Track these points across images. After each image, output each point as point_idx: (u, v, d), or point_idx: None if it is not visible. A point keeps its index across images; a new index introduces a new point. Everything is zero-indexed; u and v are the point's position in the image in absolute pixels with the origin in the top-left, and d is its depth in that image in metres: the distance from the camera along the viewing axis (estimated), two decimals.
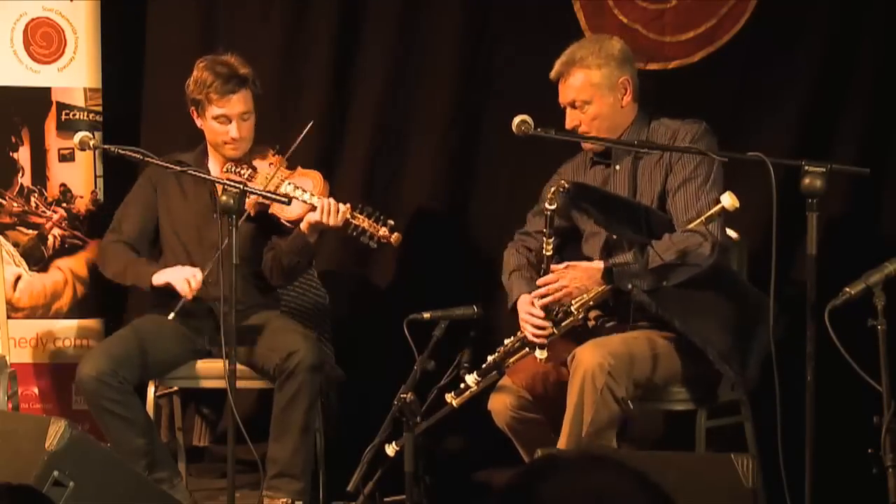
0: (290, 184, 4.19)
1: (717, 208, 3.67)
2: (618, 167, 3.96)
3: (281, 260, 4.29)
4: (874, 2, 4.45)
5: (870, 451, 3.15)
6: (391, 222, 4.10)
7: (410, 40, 4.93)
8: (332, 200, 4.14)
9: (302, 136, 4.21)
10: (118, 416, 4.10)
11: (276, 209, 4.22)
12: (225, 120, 4.28)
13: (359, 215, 4.13)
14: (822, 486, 3.24)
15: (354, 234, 4.13)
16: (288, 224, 4.25)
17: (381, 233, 4.10)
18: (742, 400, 3.94)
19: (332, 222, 4.12)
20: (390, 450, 3.74)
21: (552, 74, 3.94)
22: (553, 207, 3.74)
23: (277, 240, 4.32)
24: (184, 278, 4.17)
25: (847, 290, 3.17)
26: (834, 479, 3.70)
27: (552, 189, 3.75)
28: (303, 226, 4.17)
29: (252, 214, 4.21)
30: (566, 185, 3.78)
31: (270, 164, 4.32)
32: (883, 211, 4.46)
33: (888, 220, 4.45)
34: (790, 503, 3.33)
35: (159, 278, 4.24)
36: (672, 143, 3.86)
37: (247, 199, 4.15)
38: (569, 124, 3.94)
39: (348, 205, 4.14)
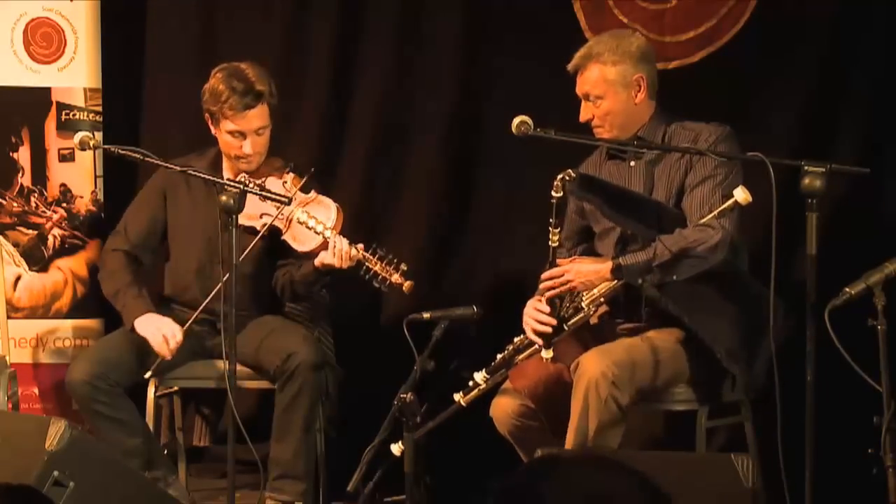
0: (304, 212, 4.13)
1: (729, 202, 3.64)
2: (633, 163, 3.95)
3: (293, 287, 4.28)
4: (874, 2, 4.45)
5: (870, 451, 3.15)
6: (404, 267, 4.01)
7: (411, 40, 4.93)
8: (345, 242, 4.05)
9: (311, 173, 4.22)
10: (109, 419, 4.11)
11: (288, 237, 4.18)
12: (239, 135, 4.22)
13: (371, 258, 4.03)
14: (822, 486, 3.24)
15: (366, 276, 4.05)
16: (300, 253, 4.22)
17: (393, 279, 4.01)
18: (742, 400, 3.94)
19: (344, 266, 4.06)
20: (396, 449, 3.72)
21: (570, 66, 3.94)
22: (559, 195, 3.72)
23: (291, 261, 4.28)
24: (162, 337, 4.13)
25: (847, 290, 3.17)
26: (834, 479, 3.70)
27: (559, 177, 3.72)
28: (316, 262, 4.12)
29: (265, 235, 4.18)
30: (572, 174, 3.76)
31: (285, 183, 4.24)
32: (883, 211, 4.46)
33: (888, 220, 4.44)
34: (790, 503, 3.33)
35: (140, 327, 4.18)
36: (693, 145, 3.84)
37: (260, 220, 4.14)
38: (582, 117, 3.94)
39: (360, 246, 4.06)
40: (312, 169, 4.28)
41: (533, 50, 4.69)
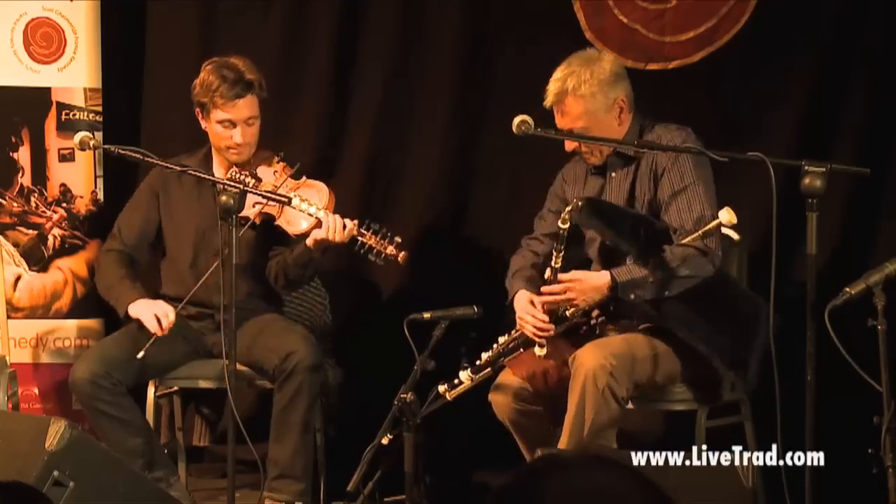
0: (296, 196, 4.14)
1: (714, 223, 3.70)
2: (613, 174, 3.97)
3: (286, 271, 4.28)
4: (874, 2, 4.45)
5: (870, 451, 3.16)
6: (398, 240, 4.05)
7: (410, 40, 4.93)
8: (338, 218, 4.09)
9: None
10: (112, 418, 4.11)
11: (282, 222, 4.21)
12: (229, 125, 4.25)
13: (366, 232, 4.07)
14: (822, 486, 3.24)
15: (361, 251, 4.08)
16: (294, 237, 4.23)
17: (388, 251, 4.05)
18: (742, 400, 3.95)
19: (338, 240, 4.08)
20: (385, 439, 3.73)
21: (546, 103, 3.90)
22: (566, 227, 3.74)
23: (283, 249, 4.31)
24: (153, 316, 4.17)
25: (847, 290, 3.17)
26: (834, 479, 3.70)
27: (567, 209, 3.74)
28: (309, 241, 4.14)
29: (258, 223, 4.20)
30: (580, 204, 3.76)
31: (275, 172, 4.28)
32: (883, 211, 4.46)
33: (888, 220, 4.44)
34: (790, 503, 3.33)
35: (133, 310, 4.23)
36: None
37: (253, 209, 4.15)
38: (568, 147, 3.96)
39: (355, 221, 4.10)
40: (299, 165, 4.29)
41: (533, 50, 4.69)
